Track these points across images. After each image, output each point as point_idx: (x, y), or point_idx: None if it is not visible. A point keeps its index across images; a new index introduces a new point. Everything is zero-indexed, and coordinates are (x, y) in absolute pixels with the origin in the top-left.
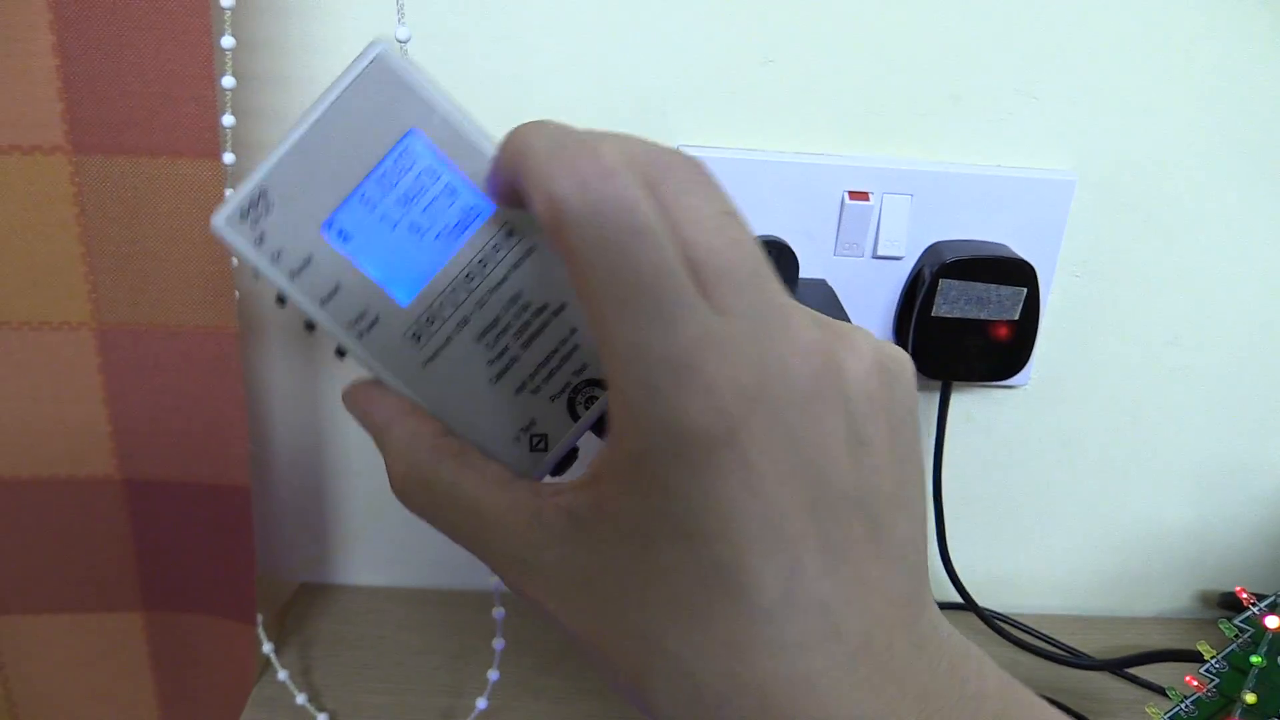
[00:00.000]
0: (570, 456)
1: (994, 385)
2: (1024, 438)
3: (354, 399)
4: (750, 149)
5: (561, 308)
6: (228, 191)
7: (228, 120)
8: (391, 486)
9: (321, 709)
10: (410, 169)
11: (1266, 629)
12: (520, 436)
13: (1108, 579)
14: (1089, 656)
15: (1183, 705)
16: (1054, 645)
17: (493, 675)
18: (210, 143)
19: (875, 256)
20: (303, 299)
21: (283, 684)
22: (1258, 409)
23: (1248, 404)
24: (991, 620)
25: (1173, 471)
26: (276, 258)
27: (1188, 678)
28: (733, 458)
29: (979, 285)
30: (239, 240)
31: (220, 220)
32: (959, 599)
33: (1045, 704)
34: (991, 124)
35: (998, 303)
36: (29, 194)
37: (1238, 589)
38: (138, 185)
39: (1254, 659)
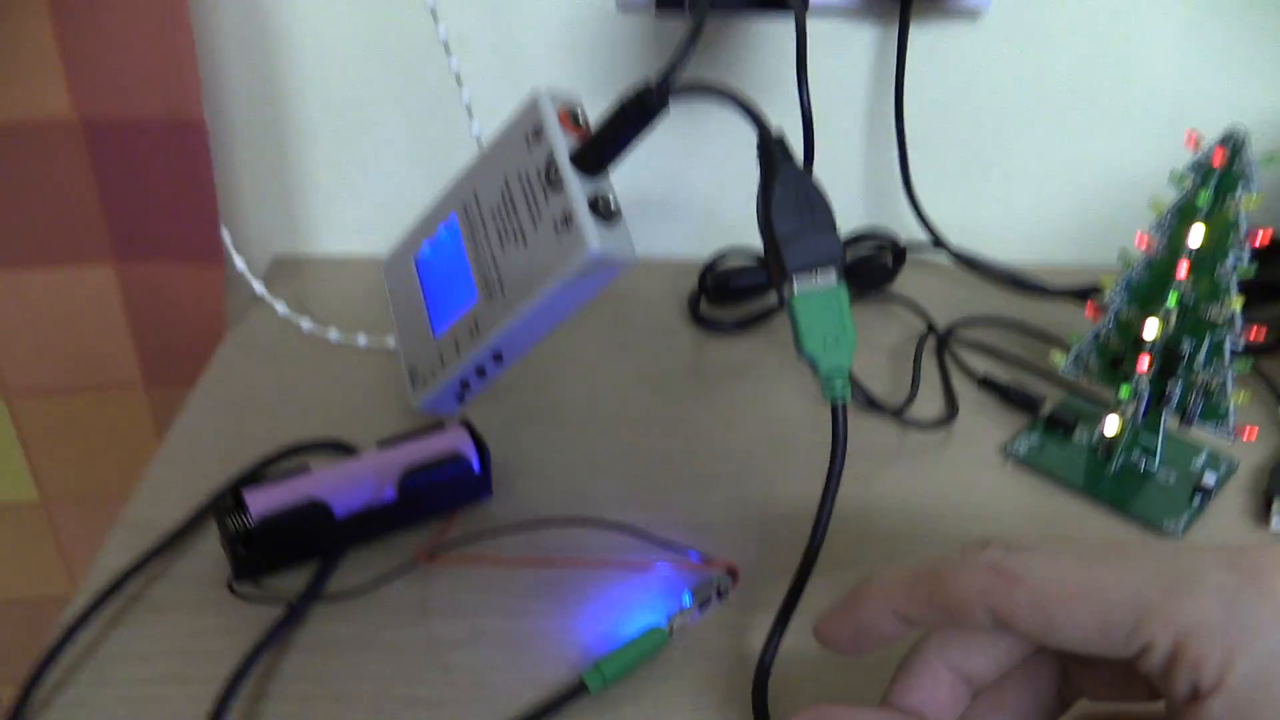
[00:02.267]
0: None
1: (956, 16)
2: (986, 76)
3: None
4: None
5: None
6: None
7: None
8: None
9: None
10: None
11: (1214, 166)
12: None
13: (1073, 228)
14: (1055, 288)
15: (1133, 271)
16: (1022, 279)
17: None
18: None
19: None
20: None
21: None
22: (1230, 38)
23: (1219, 31)
24: (961, 256)
25: (1137, 112)
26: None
27: (1139, 235)
28: None
29: None
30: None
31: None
32: (927, 236)
33: None
34: None
35: None
36: None
37: (1188, 131)
38: None
39: (1201, 196)
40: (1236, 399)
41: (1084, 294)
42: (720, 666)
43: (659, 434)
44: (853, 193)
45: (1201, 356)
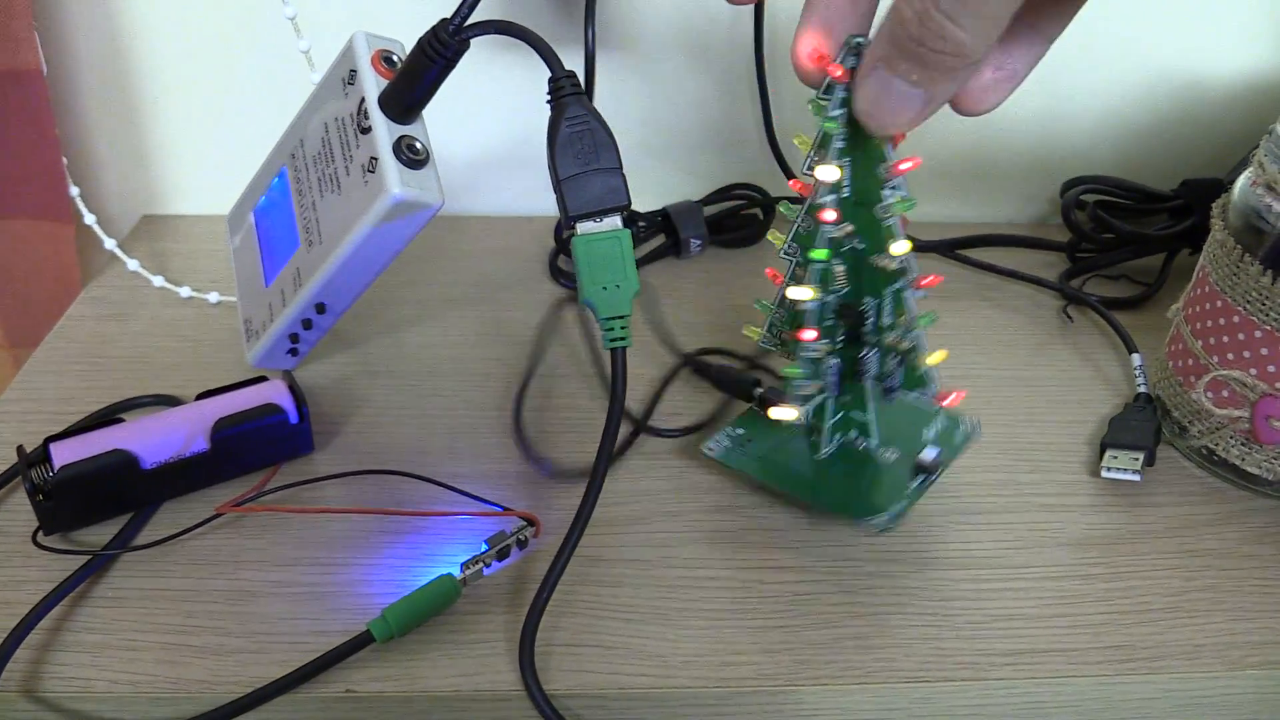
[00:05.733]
0: None
1: None
2: None
3: None
4: None
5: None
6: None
7: None
8: None
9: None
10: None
11: (837, 80)
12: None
13: (957, 180)
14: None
15: (798, 222)
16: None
17: None
18: None
19: None
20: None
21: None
22: None
23: None
24: None
25: None
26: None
27: (793, 181)
28: None
29: None
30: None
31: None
32: None
33: None
34: None
35: None
36: None
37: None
38: None
39: (831, 123)
40: (930, 359)
41: (947, 249)
42: (515, 618)
43: (499, 388)
44: (725, 150)
45: (886, 315)
